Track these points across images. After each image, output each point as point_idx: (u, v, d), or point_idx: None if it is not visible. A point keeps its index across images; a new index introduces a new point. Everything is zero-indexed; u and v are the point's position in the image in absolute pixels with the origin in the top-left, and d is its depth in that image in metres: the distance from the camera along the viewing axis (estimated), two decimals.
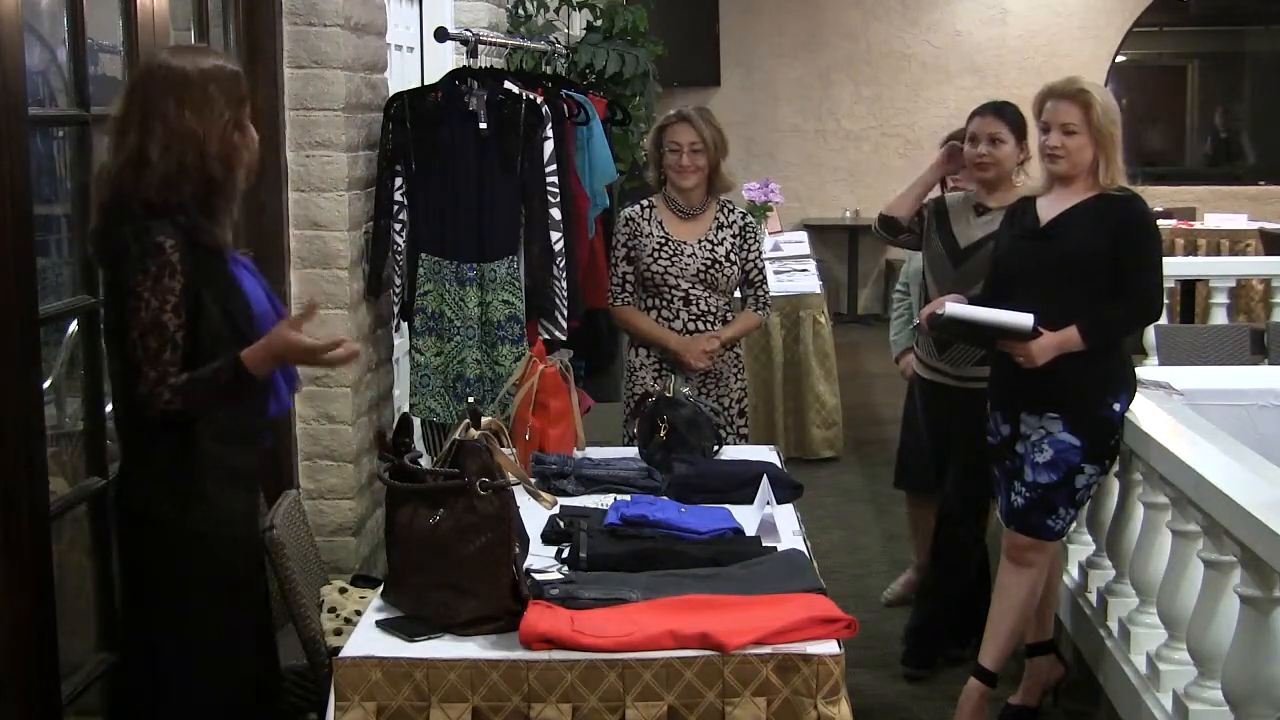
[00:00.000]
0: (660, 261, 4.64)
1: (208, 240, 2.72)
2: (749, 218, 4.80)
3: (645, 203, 4.76)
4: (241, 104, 2.80)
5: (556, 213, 4.53)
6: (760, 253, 4.83)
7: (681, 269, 4.64)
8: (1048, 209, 3.93)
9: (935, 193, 4.64)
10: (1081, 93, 3.81)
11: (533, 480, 3.21)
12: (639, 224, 4.69)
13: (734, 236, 4.70)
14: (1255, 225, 10.43)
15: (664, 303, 4.68)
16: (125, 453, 2.84)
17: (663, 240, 4.66)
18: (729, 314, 4.76)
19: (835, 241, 12.50)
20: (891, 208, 4.59)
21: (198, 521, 2.74)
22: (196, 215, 2.70)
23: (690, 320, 4.67)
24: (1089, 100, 3.80)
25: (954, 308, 3.91)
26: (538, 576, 2.75)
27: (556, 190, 4.53)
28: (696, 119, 4.61)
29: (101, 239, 2.75)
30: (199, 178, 2.70)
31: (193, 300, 2.68)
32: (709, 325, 4.68)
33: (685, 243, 4.66)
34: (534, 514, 3.03)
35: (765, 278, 4.85)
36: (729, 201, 4.81)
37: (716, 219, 4.71)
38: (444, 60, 5.52)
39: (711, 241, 4.67)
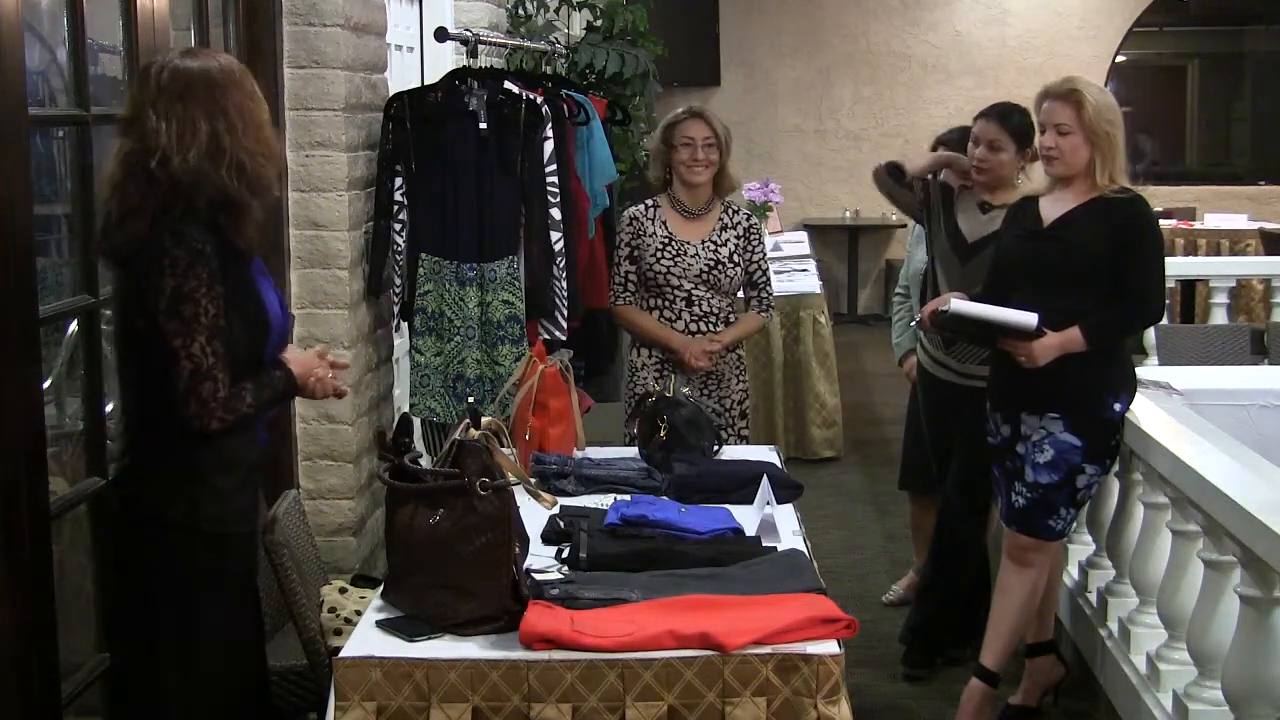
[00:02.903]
0: (663, 261, 4.64)
1: (238, 245, 2.71)
2: (754, 219, 4.79)
3: (649, 202, 4.76)
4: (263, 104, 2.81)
5: (556, 213, 4.53)
6: (765, 255, 4.82)
7: (684, 269, 4.64)
8: (1050, 209, 3.92)
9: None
10: (1074, 92, 3.80)
11: (533, 480, 3.20)
12: (643, 223, 4.68)
13: (738, 238, 4.69)
14: (1255, 225, 10.43)
15: (666, 303, 4.67)
16: (137, 454, 2.79)
17: (666, 240, 4.65)
18: (731, 315, 4.75)
19: (835, 241, 12.50)
20: (907, 159, 4.60)
21: (208, 521, 2.74)
22: (228, 218, 2.68)
23: (692, 321, 4.66)
24: (1081, 100, 3.79)
25: (959, 304, 3.91)
26: (538, 576, 2.75)
27: (556, 190, 4.53)
28: (710, 114, 4.63)
29: (126, 234, 2.65)
30: (235, 175, 2.68)
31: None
32: (711, 326, 4.67)
33: (689, 243, 4.65)
34: (534, 514, 3.02)
35: (769, 279, 4.84)
36: (733, 203, 4.80)
37: (721, 220, 4.71)
38: (444, 60, 5.52)
39: (715, 242, 4.66)
